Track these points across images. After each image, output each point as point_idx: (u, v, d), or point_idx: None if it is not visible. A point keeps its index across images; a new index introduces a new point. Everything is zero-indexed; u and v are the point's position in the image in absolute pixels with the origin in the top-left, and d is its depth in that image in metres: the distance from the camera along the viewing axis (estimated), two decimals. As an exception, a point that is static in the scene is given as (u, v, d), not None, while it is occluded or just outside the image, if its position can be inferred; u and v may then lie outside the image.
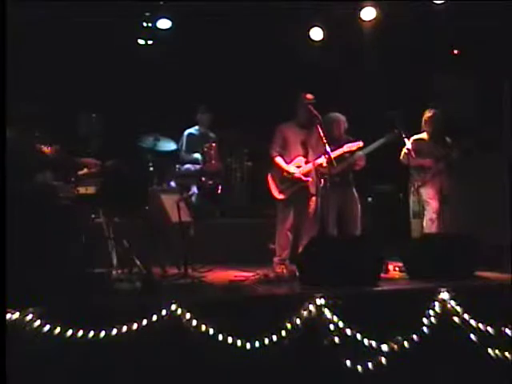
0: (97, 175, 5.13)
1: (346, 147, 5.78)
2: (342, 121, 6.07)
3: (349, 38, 7.50)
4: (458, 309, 4.43)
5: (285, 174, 5.68)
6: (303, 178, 5.65)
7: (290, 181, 5.67)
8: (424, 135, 6.37)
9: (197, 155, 7.22)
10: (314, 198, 5.72)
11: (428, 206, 6.16)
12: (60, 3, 6.39)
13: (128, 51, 7.42)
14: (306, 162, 5.71)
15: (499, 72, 6.47)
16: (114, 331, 3.74)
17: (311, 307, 4.16)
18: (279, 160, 5.71)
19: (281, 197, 5.69)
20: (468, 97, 7.68)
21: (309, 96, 5.70)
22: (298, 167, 5.68)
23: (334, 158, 5.45)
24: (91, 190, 5.10)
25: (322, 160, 5.54)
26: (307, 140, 5.75)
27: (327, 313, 4.16)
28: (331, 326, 4.14)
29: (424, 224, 6.16)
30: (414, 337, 4.27)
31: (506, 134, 6.28)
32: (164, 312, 3.88)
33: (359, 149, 5.91)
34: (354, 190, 6.03)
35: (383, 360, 4.19)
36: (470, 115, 7.49)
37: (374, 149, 5.99)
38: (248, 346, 3.96)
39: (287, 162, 5.70)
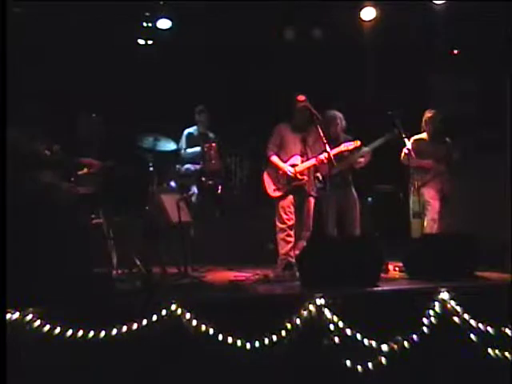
0: (97, 175, 5.15)
1: (344, 146, 5.75)
2: (339, 118, 6.04)
3: (349, 37, 7.51)
4: (458, 309, 4.41)
5: (280, 172, 5.68)
6: (298, 177, 5.64)
7: (285, 179, 5.67)
8: (424, 135, 6.37)
9: (198, 148, 7.18)
10: (309, 198, 5.72)
11: (429, 206, 6.15)
12: (60, 3, 6.39)
13: (128, 51, 7.42)
14: (303, 161, 5.70)
15: (499, 72, 6.46)
16: (114, 331, 3.74)
17: (311, 307, 4.15)
18: (275, 159, 5.72)
19: (275, 194, 5.69)
20: (468, 97, 7.68)
21: (300, 97, 5.66)
22: (294, 165, 5.68)
23: (333, 156, 5.44)
24: (91, 189, 5.12)
25: (321, 158, 5.55)
26: (305, 140, 5.74)
27: (327, 313, 4.15)
28: (331, 326, 4.13)
29: (425, 224, 6.15)
30: (414, 337, 4.26)
31: (507, 134, 6.28)
32: (164, 312, 3.88)
33: (358, 147, 5.89)
34: (354, 190, 6.02)
35: (383, 360, 4.18)
36: (470, 115, 7.49)
37: (374, 148, 5.99)
38: (248, 345, 3.95)
39: (284, 162, 5.70)
